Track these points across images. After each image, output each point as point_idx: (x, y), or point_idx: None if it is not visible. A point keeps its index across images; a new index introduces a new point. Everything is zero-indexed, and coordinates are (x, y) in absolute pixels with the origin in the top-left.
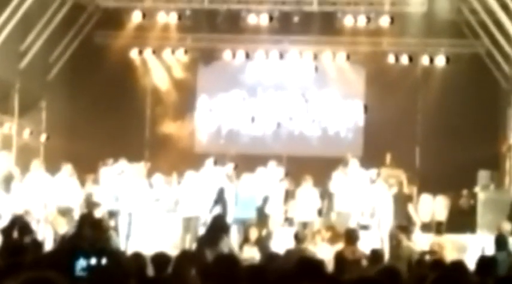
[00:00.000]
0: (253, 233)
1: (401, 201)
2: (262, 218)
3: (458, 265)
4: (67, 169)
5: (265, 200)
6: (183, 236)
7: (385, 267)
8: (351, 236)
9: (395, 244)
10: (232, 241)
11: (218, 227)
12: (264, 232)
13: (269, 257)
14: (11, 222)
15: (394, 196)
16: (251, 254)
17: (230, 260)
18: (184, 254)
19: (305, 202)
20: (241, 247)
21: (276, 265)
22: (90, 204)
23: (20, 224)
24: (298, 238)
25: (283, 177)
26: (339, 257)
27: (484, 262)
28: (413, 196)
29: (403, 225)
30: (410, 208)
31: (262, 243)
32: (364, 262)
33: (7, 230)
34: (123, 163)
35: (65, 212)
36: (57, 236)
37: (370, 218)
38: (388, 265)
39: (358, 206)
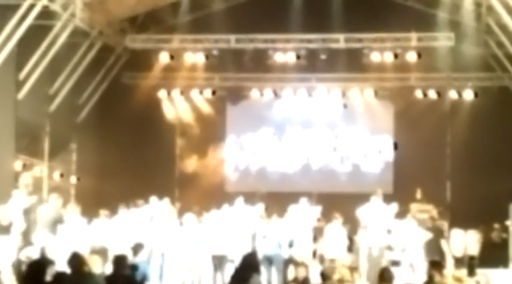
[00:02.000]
0: (301, 272)
1: (435, 236)
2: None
3: None
4: (104, 213)
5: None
6: (214, 275)
7: None
8: (384, 276)
9: (427, 281)
10: (263, 280)
11: (249, 266)
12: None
13: None
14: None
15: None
16: None
17: None
18: None
19: (334, 239)
20: None
21: None
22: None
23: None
24: (325, 276)
25: (320, 216)
26: None
27: None
28: (444, 231)
29: (435, 260)
30: (443, 243)
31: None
32: None
33: None
34: (154, 200)
35: (99, 253)
36: None
37: (401, 253)
38: None
39: (388, 241)
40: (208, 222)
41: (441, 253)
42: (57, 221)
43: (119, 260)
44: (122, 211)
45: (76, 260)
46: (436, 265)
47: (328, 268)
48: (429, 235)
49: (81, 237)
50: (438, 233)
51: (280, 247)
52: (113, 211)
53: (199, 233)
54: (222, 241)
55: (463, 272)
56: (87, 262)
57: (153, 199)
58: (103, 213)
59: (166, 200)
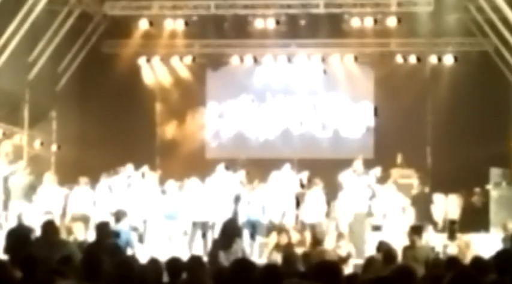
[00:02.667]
0: (284, 238)
1: (422, 202)
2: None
3: (476, 263)
4: (84, 181)
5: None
6: (191, 241)
7: (399, 266)
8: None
9: (409, 245)
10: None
11: (231, 231)
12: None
13: (289, 260)
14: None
15: (414, 198)
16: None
17: (246, 264)
18: (196, 260)
19: (314, 205)
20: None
21: (294, 268)
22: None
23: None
24: (316, 240)
25: (307, 182)
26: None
27: (502, 257)
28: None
29: (416, 225)
30: (433, 208)
31: (286, 249)
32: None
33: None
34: (130, 168)
35: (80, 220)
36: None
37: (382, 219)
38: (402, 265)
39: (370, 206)
40: (189, 189)
41: (430, 218)
42: (31, 188)
43: (102, 227)
44: (104, 179)
45: (49, 228)
46: (417, 229)
47: (319, 233)
48: (407, 201)
49: (58, 205)
50: (427, 199)
51: (263, 213)
52: (94, 179)
53: (180, 201)
54: (203, 207)
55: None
56: (60, 229)
57: (129, 166)
58: (83, 180)
59: (145, 167)
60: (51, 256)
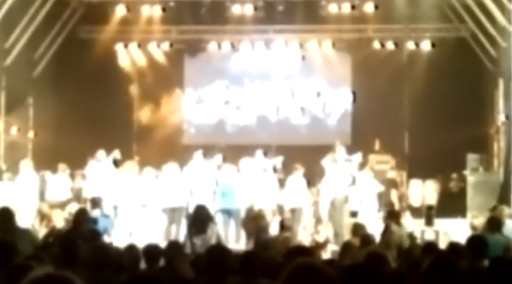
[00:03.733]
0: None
1: (386, 187)
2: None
3: (453, 248)
4: (62, 168)
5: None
6: (168, 227)
7: (370, 252)
8: (357, 229)
9: (384, 230)
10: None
11: (204, 216)
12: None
13: (263, 246)
14: None
15: (381, 182)
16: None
17: (221, 250)
18: (174, 246)
19: (295, 190)
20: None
21: (267, 254)
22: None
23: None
24: (284, 226)
25: (281, 166)
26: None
27: (475, 242)
28: (402, 181)
29: (393, 210)
30: (393, 194)
31: (260, 233)
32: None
33: None
34: (101, 153)
35: (58, 207)
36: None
37: (358, 204)
38: (373, 250)
39: (348, 192)
40: (167, 174)
41: (391, 204)
42: None
43: (80, 214)
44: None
45: (4, 215)
46: (393, 214)
47: (288, 219)
48: (381, 188)
49: (34, 192)
50: (390, 184)
51: (237, 200)
52: (71, 165)
53: (156, 187)
54: (181, 193)
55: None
56: (15, 217)
57: (101, 152)
58: (62, 167)
59: (116, 152)
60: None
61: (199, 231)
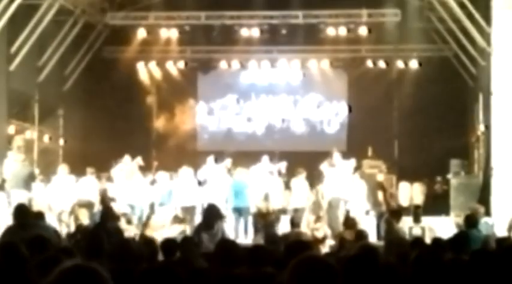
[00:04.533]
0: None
1: (374, 188)
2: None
3: (437, 242)
4: (90, 171)
5: (267, 196)
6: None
7: (362, 245)
8: (348, 222)
9: (386, 228)
10: (231, 228)
11: (212, 214)
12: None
13: (271, 240)
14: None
15: (369, 184)
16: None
17: (230, 243)
18: (188, 240)
19: (299, 191)
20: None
21: (274, 247)
22: (106, 199)
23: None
24: (294, 223)
25: (285, 171)
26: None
27: (458, 238)
28: (392, 183)
29: (395, 210)
30: (380, 195)
31: (268, 228)
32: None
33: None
34: (127, 159)
35: (86, 205)
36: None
37: (351, 204)
38: (366, 243)
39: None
40: (182, 177)
41: (378, 203)
42: (30, 178)
43: (106, 212)
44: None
45: (20, 211)
46: (396, 214)
47: (296, 217)
48: (365, 188)
49: (69, 193)
50: (377, 186)
51: (247, 199)
52: (97, 169)
53: (173, 188)
54: (192, 194)
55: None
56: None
57: (126, 157)
58: (89, 170)
59: (139, 158)
60: (23, 239)
61: (208, 227)
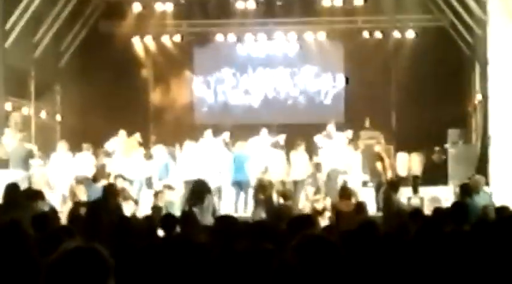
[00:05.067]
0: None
1: (372, 160)
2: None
3: (437, 213)
4: (87, 147)
5: (266, 169)
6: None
7: (362, 221)
8: (345, 192)
9: (385, 200)
10: (230, 202)
11: (201, 188)
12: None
13: (272, 215)
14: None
15: (367, 155)
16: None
17: (231, 219)
18: (187, 215)
19: (298, 164)
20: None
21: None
22: (105, 175)
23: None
24: (286, 196)
25: (284, 143)
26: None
27: (458, 208)
28: (390, 154)
29: (392, 181)
30: (378, 165)
31: (268, 203)
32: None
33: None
34: (122, 133)
35: (83, 182)
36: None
37: (348, 174)
38: (364, 219)
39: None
40: (180, 151)
41: (378, 174)
42: (28, 158)
43: (108, 189)
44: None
45: (11, 191)
46: (393, 185)
47: (289, 190)
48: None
49: (68, 169)
50: (375, 157)
51: (247, 173)
52: (95, 144)
53: (169, 162)
54: (193, 167)
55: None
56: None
57: (122, 132)
58: (86, 146)
59: (137, 134)
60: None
61: (197, 202)
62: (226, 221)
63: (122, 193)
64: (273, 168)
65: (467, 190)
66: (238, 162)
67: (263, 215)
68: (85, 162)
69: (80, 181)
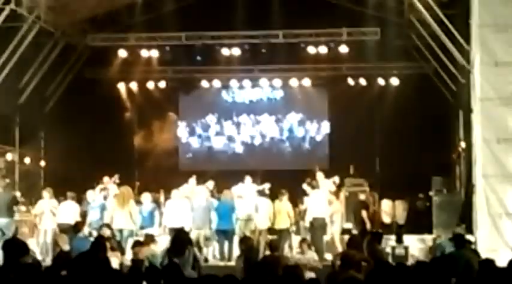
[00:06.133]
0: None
1: (358, 208)
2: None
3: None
4: (71, 196)
5: (249, 217)
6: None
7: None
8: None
9: (369, 251)
10: (216, 250)
11: (182, 240)
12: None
13: (250, 266)
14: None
15: (353, 203)
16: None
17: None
18: (171, 266)
19: (283, 213)
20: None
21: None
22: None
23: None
24: (272, 246)
25: (267, 191)
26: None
27: (445, 262)
28: (375, 201)
29: (375, 232)
30: (364, 213)
31: (248, 253)
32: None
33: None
34: (106, 180)
35: (66, 230)
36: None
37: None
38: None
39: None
40: (164, 199)
41: (363, 222)
42: (12, 205)
43: (98, 242)
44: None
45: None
46: (376, 235)
47: (275, 240)
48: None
49: (51, 217)
50: (361, 205)
51: (232, 222)
52: (79, 191)
53: (155, 210)
54: (177, 215)
55: None
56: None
57: (106, 178)
58: (70, 195)
59: (116, 176)
60: None
61: (178, 253)
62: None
63: (109, 243)
64: (259, 217)
65: (461, 242)
66: (223, 210)
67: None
68: (69, 210)
69: (63, 230)
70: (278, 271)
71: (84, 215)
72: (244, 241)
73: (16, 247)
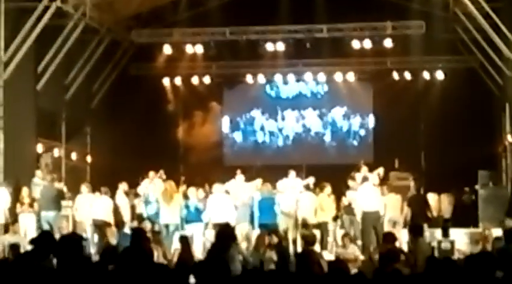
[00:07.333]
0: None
1: (421, 202)
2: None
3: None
4: (105, 191)
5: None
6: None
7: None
8: (389, 238)
9: (413, 243)
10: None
11: (226, 236)
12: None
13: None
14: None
15: (412, 198)
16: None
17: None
18: (219, 263)
19: (325, 206)
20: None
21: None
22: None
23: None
24: (308, 241)
25: (312, 185)
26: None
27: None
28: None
29: (415, 225)
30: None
31: (281, 247)
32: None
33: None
34: (151, 175)
35: (100, 226)
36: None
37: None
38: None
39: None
40: (210, 194)
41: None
42: (59, 198)
43: (138, 234)
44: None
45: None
46: (418, 229)
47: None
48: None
49: (87, 212)
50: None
51: (275, 216)
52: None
53: (198, 204)
54: (223, 210)
55: None
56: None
57: (151, 173)
58: (104, 190)
59: (161, 172)
60: None
61: (222, 251)
62: (252, 274)
63: (153, 238)
64: (302, 211)
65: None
66: (264, 205)
67: (274, 258)
68: (103, 205)
69: (97, 225)
70: (312, 267)
71: (132, 209)
72: (275, 234)
73: (74, 242)
